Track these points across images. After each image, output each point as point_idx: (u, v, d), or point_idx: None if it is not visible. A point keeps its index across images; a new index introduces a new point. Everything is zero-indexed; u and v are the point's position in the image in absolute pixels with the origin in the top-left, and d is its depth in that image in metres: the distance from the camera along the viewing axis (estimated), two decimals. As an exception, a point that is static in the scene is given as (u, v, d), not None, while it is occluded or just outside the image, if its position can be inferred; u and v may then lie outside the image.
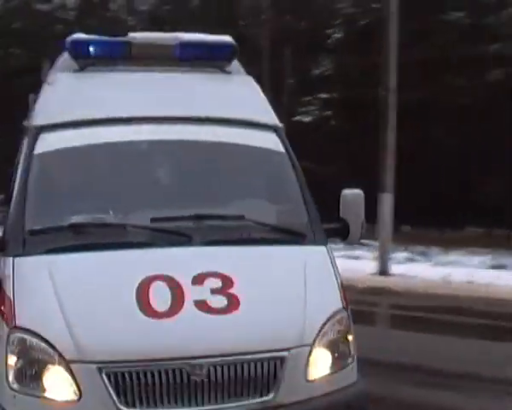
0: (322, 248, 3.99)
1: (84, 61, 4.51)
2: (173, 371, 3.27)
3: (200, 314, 3.40)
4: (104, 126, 4.17)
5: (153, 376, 3.25)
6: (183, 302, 3.42)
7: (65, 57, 4.69)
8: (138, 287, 3.44)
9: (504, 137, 17.29)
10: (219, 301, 3.45)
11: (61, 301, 3.41)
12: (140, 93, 4.33)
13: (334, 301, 3.75)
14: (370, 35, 16.83)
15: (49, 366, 3.31)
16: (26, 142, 4.26)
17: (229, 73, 4.71)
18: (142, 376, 3.25)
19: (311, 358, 3.52)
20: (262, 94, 4.62)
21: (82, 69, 4.52)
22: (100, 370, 3.24)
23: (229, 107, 4.40)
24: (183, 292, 3.44)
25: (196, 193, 4.06)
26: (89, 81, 4.48)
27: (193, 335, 3.35)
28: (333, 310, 3.68)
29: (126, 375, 3.25)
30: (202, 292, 3.47)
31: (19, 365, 3.35)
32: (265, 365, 3.39)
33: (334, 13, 20.47)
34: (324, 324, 3.59)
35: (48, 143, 4.10)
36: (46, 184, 4.02)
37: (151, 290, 3.44)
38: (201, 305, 3.43)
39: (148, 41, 4.60)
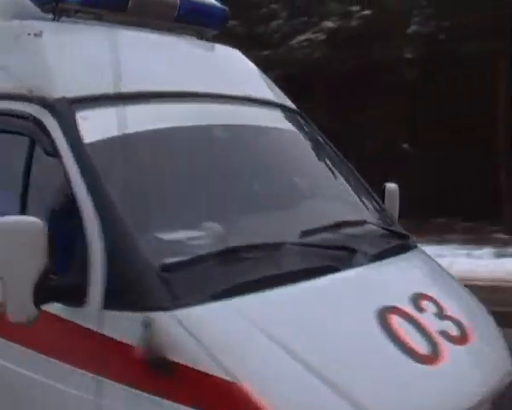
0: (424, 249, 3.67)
1: (63, 6, 3.27)
2: None
3: (459, 349, 2.86)
4: (155, 104, 3.15)
5: None
6: (433, 336, 2.81)
7: None
8: (381, 325, 2.68)
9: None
10: (453, 329, 2.94)
11: (316, 370, 2.34)
12: (161, 59, 3.42)
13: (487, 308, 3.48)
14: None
15: None
16: (45, 122, 2.77)
17: (212, 42, 4.08)
18: None
19: None
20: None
21: (57, 20, 3.28)
22: None
23: (255, 85, 3.83)
24: (420, 323, 2.82)
25: (294, 194, 3.43)
26: (91, 37, 3.26)
27: (474, 374, 2.83)
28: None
29: None
30: (432, 320, 2.90)
31: None
32: None
33: None
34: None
35: (96, 126, 2.84)
36: (135, 193, 2.78)
37: (396, 327, 2.70)
38: (448, 336, 2.86)
39: None
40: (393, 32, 18.51)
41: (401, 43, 18.69)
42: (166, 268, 2.49)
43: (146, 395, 2.31)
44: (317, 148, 3.85)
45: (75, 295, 2.52)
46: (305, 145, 3.83)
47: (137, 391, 2.34)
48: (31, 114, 2.85)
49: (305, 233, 3.03)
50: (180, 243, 2.65)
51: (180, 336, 2.30)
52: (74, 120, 2.78)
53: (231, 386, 2.18)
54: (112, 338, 2.41)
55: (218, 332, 2.36)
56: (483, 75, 19.88)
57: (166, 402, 2.26)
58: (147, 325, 2.29)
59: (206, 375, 2.21)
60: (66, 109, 2.81)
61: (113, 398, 2.40)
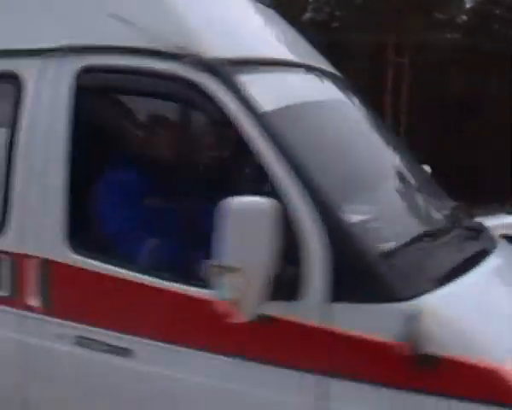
0: None
1: None
2: None
3: None
4: (295, 73, 2.87)
5: None
6: None
7: None
8: None
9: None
10: None
11: None
12: (265, 25, 3.14)
13: None
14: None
15: None
16: (205, 86, 2.39)
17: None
18: None
19: None
20: None
21: None
22: None
23: (321, 57, 3.48)
24: None
25: (404, 174, 3.13)
26: None
27: None
28: None
29: None
30: None
31: None
32: None
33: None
34: None
35: (265, 92, 2.49)
36: (326, 170, 2.47)
37: None
38: None
39: None
40: (289, 18, 18.80)
41: (297, 29, 19.02)
42: (388, 255, 2.27)
43: (404, 393, 2.12)
44: (375, 122, 3.57)
45: (290, 289, 2.22)
46: (369, 118, 3.53)
47: (387, 389, 2.14)
48: (178, 75, 2.42)
49: (453, 217, 2.92)
50: (375, 226, 2.47)
51: (434, 325, 2.12)
52: (243, 85, 2.39)
53: (504, 372, 2.07)
54: (350, 334, 2.17)
55: (462, 319, 2.21)
56: (373, 65, 20.71)
57: (431, 399, 2.11)
58: (413, 318, 2.08)
59: (473, 365, 2.08)
60: (230, 72, 2.41)
61: (349, 399, 2.19)
